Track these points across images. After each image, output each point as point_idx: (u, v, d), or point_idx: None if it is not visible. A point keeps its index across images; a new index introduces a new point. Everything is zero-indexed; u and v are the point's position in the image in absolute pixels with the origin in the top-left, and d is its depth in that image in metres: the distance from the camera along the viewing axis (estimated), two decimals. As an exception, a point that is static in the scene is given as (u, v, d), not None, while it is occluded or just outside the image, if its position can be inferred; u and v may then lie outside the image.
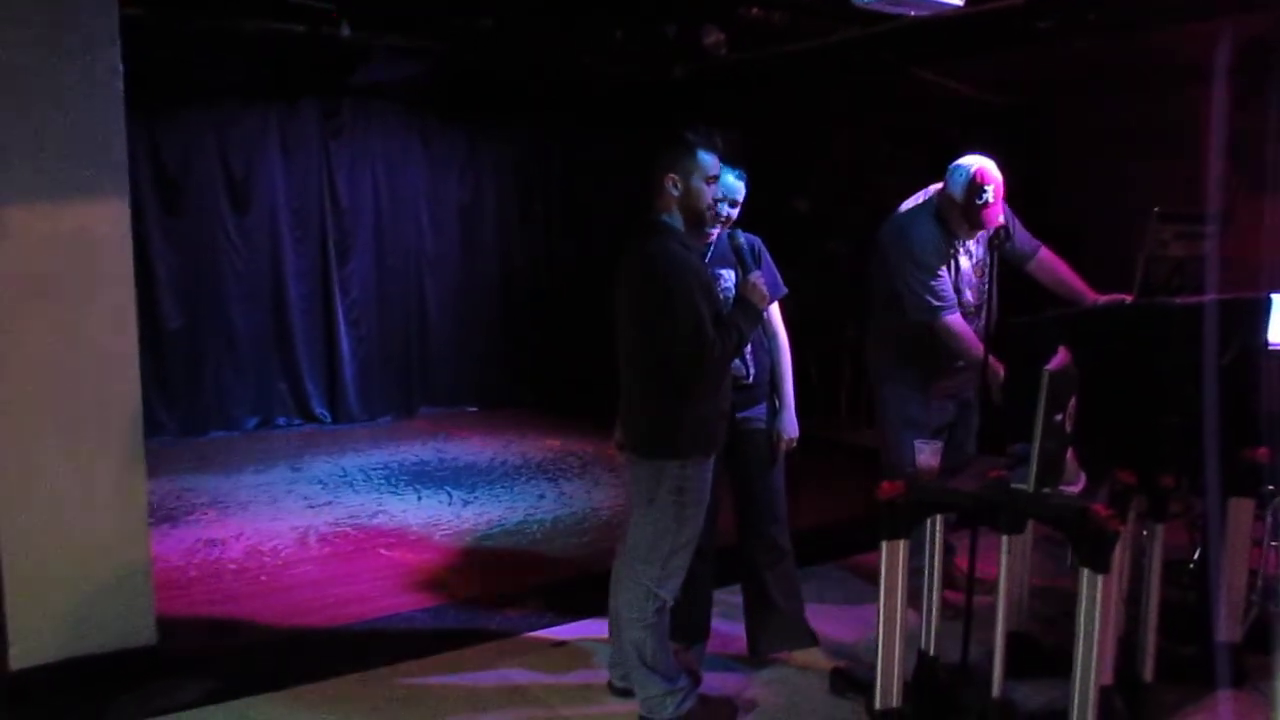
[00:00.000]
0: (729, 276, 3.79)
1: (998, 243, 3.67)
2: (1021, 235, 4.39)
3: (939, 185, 4.29)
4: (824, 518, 5.79)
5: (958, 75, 7.30)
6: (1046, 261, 4.38)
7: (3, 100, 3.61)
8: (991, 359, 3.73)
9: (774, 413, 3.98)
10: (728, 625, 4.24)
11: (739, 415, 3.87)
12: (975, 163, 4.11)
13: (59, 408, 3.80)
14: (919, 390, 4.43)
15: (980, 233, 4.26)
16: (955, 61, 7.18)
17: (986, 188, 4.06)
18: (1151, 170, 6.22)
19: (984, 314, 4.16)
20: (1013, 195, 4.38)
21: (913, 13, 5.04)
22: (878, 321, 4.59)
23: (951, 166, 4.19)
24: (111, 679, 3.84)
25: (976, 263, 4.36)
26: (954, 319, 4.22)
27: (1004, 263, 4.37)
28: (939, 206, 4.26)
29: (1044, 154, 7.22)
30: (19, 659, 3.77)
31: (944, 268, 4.25)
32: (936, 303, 4.22)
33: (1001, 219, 4.17)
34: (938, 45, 6.86)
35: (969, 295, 4.35)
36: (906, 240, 4.27)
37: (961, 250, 4.33)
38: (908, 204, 4.41)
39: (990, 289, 3.68)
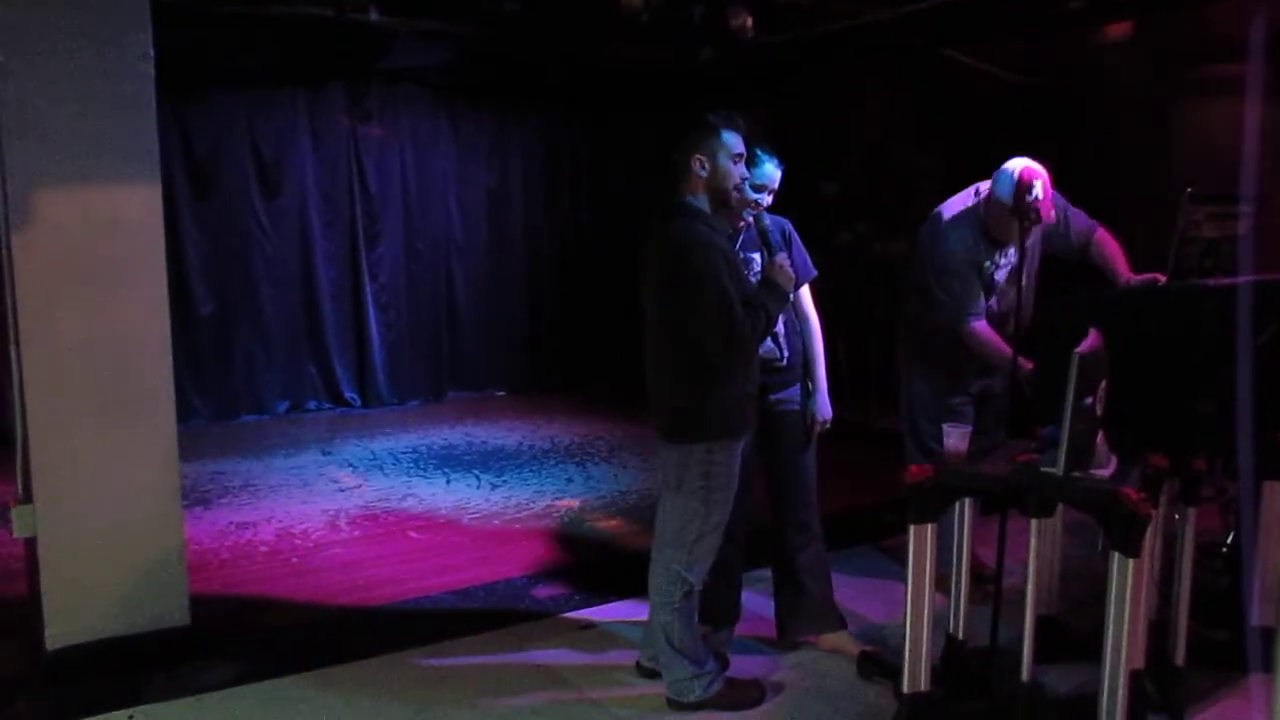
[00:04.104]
0: (759, 261, 3.78)
1: (1029, 222, 3.63)
2: (1077, 220, 4.32)
3: (984, 184, 4.26)
4: (852, 501, 5.78)
5: (988, 56, 7.23)
6: (1099, 243, 4.31)
7: (35, 87, 3.64)
8: (1021, 360, 3.71)
9: (808, 395, 3.97)
10: (757, 608, 4.24)
11: (772, 397, 3.87)
12: (1020, 164, 4.05)
13: (93, 392, 3.83)
14: (940, 383, 4.41)
15: (1011, 246, 4.24)
16: (986, 42, 7.11)
17: (1035, 183, 3.97)
18: (1184, 151, 6.14)
19: (1013, 319, 4.16)
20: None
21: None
22: (908, 311, 4.55)
23: (996, 173, 4.14)
24: (145, 659, 3.89)
25: (1012, 270, 4.30)
26: (980, 326, 4.21)
27: (1059, 257, 4.35)
28: (984, 215, 4.22)
29: (1075, 134, 7.14)
30: (54, 640, 3.82)
31: (975, 276, 4.23)
32: (964, 310, 4.21)
33: (1054, 214, 4.14)
34: (969, 26, 6.79)
35: (994, 303, 4.32)
36: (943, 245, 4.25)
37: (1000, 260, 4.30)
38: (950, 203, 4.34)
39: (1021, 272, 3.66)
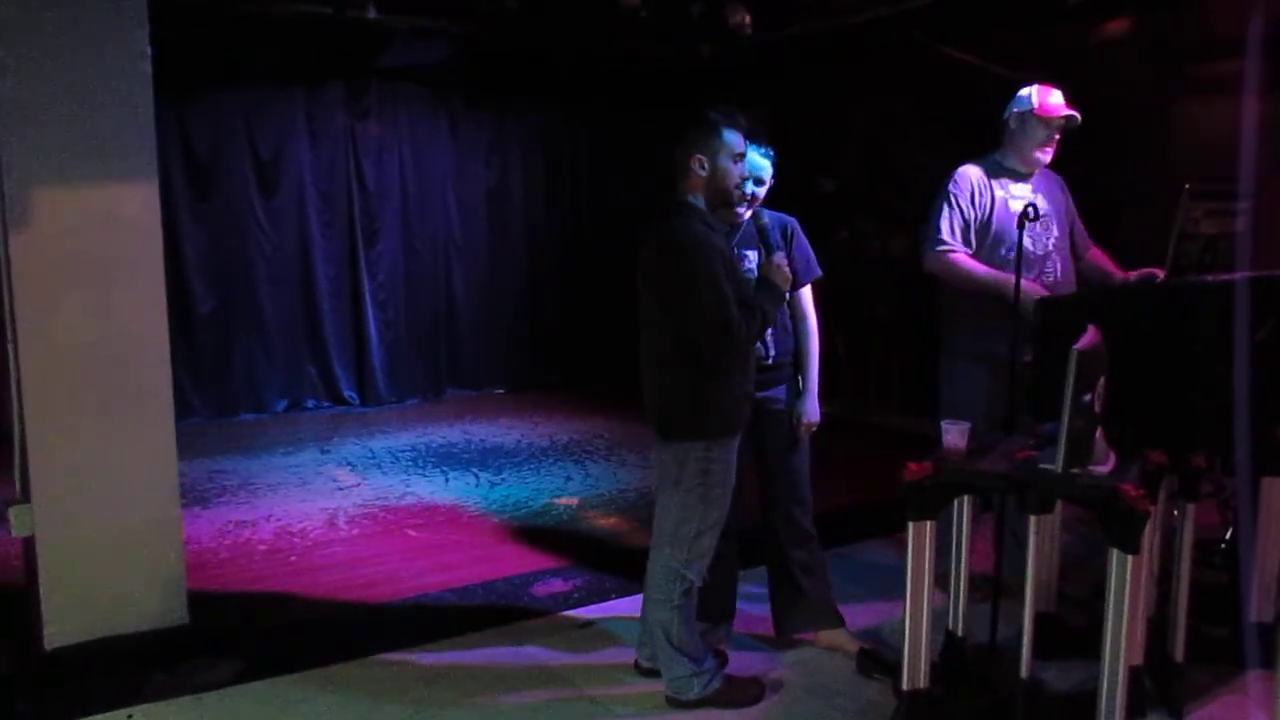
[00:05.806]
0: (753, 258, 3.76)
1: (1026, 220, 3.63)
2: (1080, 231, 4.40)
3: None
4: (852, 499, 5.78)
5: (988, 53, 7.23)
6: (1094, 260, 4.39)
7: (33, 85, 3.64)
8: (1025, 284, 3.68)
9: (796, 394, 3.94)
10: (753, 605, 4.24)
11: (759, 395, 3.85)
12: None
13: (91, 391, 3.83)
14: (974, 365, 4.29)
15: (1038, 175, 4.29)
16: (986, 39, 7.10)
17: (1051, 89, 4.18)
18: (1183, 146, 6.14)
19: (1054, 266, 4.15)
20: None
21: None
22: (942, 310, 4.48)
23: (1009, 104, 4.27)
24: (144, 659, 3.88)
25: (1043, 216, 4.20)
26: (955, 256, 4.17)
27: None
28: (1005, 146, 4.29)
29: (1075, 130, 7.13)
30: (53, 639, 3.82)
31: (956, 209, 4.21)
32: (931, 236, 4.21)
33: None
34: (968, 22, 6.78)
35: (1028, 244, 4.21)
36: (952, 175, 4.27)
37: (1017, 191, 4.24)
38: None
39: (1018, 263, 3.66)
